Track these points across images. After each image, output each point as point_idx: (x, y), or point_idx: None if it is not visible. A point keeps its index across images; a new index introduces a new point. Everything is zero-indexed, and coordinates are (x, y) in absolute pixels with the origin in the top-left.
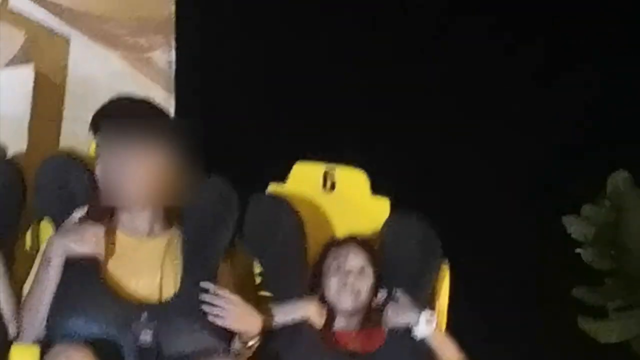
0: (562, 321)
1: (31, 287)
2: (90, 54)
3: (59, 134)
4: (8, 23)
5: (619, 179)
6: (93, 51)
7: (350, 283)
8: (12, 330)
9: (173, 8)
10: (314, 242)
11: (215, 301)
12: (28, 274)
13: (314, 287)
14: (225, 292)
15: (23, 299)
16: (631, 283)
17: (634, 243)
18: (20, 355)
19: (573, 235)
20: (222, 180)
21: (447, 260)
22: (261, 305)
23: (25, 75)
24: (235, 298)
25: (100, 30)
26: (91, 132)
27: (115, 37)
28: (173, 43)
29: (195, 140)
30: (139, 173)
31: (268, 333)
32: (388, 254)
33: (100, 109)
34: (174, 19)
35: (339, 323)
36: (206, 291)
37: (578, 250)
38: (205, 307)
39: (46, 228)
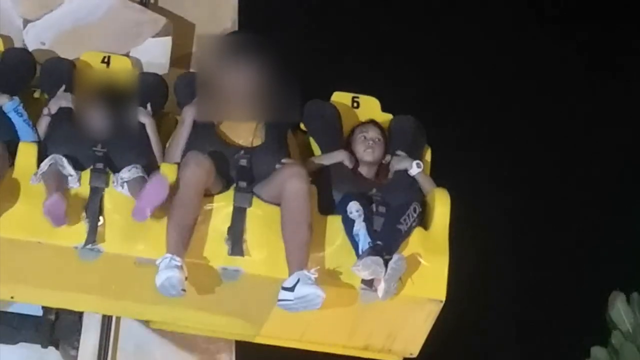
0: None
1: (173, 137)
2: None
3: None
4: (156, 12)
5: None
6: None
7: (370, 145)
8: (160, 162)
9: None
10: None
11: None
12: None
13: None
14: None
15: (167, 145)
16: None
17: None
18: (166, 169)
19: None
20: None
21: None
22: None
23: (165, 42)
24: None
25: None
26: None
27: None
28: None
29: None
30: (239, 89)
31: (318, 170)
32: (393, 135)
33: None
34: None
35: (362, 170)
36: None
37: None
38: None
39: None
